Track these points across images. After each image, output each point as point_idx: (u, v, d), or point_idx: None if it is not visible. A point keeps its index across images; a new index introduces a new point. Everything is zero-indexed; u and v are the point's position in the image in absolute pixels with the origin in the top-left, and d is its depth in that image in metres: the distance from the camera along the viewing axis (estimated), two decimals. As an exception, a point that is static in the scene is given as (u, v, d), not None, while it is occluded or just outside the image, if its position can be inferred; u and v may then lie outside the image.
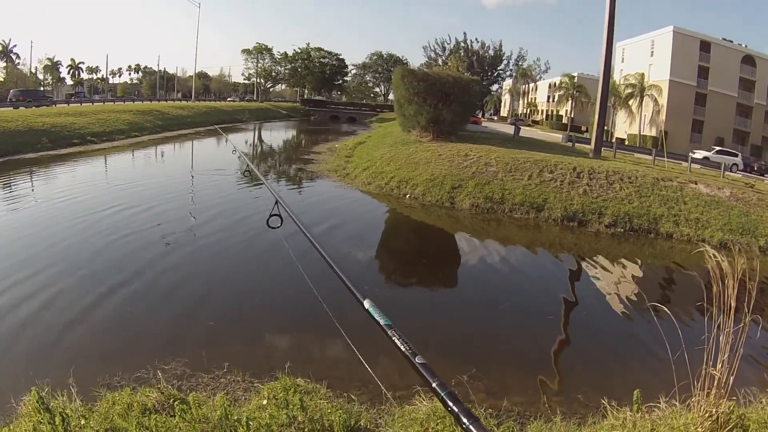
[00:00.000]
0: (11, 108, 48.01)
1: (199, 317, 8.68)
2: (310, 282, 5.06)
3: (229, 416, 5.14)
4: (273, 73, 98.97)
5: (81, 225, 14.04)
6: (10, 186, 21.60)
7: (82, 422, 4.94)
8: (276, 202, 3.73)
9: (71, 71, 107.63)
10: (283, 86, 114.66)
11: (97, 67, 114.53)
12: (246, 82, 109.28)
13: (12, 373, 6.97)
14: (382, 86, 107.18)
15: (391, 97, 76.47)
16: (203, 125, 52.65)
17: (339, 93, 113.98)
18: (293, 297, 9.89)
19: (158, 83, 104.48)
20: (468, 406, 1.51)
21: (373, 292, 10.22)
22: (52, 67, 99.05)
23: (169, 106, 61.15)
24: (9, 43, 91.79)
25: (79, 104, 56.88)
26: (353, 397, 6.33)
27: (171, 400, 5.60)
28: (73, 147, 36.47)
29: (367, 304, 2.02)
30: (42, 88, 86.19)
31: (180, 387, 6.36)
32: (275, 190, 4.26)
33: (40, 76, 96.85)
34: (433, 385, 1.56)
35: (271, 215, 3.73)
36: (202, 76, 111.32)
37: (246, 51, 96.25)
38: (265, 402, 5.60)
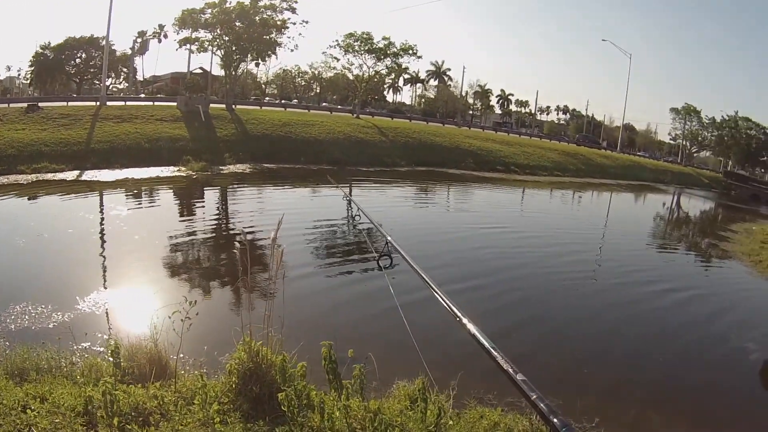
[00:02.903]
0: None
1: (586, 366, 10.33)
2: None
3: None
4: (699, 138, 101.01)
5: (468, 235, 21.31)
6: (431, 192, 32.38)
7: (450, 422, 6.04)
8: (387, 243, 4.71)
9: (500, 101, 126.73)
10: (707, 153, 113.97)
11: (526, 101, 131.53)
12: (671, 142, 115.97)
13: (404, 359, 8.49)
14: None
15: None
16: (624, 178, 59.13)
17: (762, 170, 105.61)
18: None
19: (585, 128, 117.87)
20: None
21: None
22: (482, 94, 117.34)
23: (593, 153, 70.28)
24: (442, 65, 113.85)
25: (506, 134, 70.37)
26: None
27: (537, 434, 6.35)
28: (495, 172, 46.66)
29: (473, 328, 2.59)
30: (471, 113, 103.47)
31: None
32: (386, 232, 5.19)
33: (470, 101, 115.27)
34: (533, 397, 2.00)
35: (381, 255, 4.72)
36: (628, 128, 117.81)
37: (674, 110, 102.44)
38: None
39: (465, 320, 2.70)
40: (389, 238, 4.80)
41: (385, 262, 4.78)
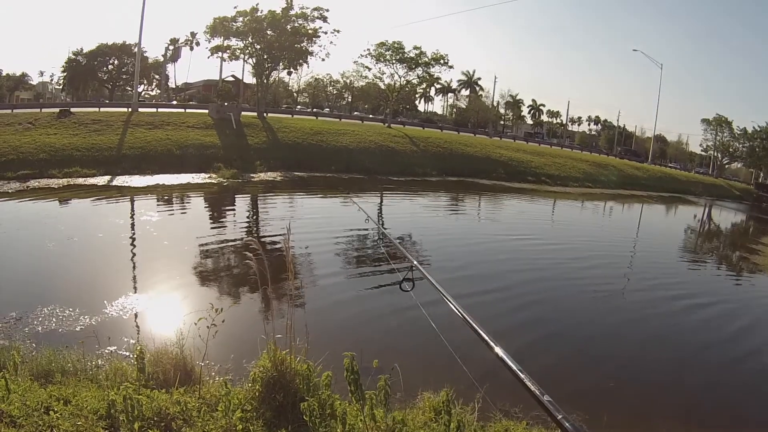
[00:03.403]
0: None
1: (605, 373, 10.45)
2: None
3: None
4: (730, 149, 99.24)
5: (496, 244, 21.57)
6: (461, 202, 33.97)
7: None
8: (410, 267, 4.93)
9: (532, 111, 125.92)
10: (739, 165, 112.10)
11: (557, 111, 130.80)
12: (703, 153, 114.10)
13: (430, 370, 8.93)
14: None
15: None
16: (655, 190, 58.38)
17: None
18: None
19: (616, 139, 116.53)
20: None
21: None
22: (514, 104, 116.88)
23: (624, 163, 69.79)
24: (473, 75, 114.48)
25: (537, 144, 70.54)
26: None
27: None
28: (526, 183, 46.87)
29: (500, 351, 2.66)
30: (502, 123, 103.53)
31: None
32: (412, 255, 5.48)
33: (501, 111, 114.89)
34: (558, 417, 2.11)
35: (403, 279, 4.96)
36: (659, 139, 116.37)
37: (705, 121, 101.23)
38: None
39: (492, 344, 2.77)
40: (415, 262, 4.89)
41: (408, 285, 4.96)
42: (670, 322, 14.15)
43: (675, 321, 14.28)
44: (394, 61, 59.80)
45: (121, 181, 28.07)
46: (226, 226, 20.37)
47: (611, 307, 14.91)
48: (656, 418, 8.81)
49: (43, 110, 39.21)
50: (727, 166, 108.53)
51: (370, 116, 72.67)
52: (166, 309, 10.91)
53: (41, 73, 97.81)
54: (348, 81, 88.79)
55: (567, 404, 7.96)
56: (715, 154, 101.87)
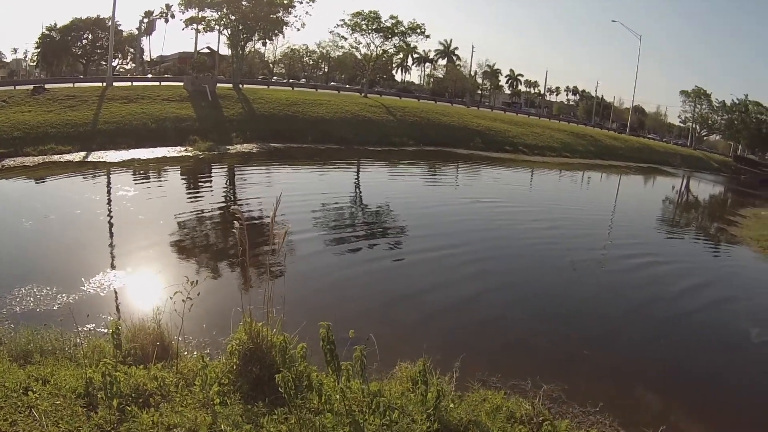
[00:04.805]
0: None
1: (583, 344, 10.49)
2: None
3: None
4: (709, 121, 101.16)
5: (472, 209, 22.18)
6: (438, 171, 34.71)
7: (451, 405, 5.98)
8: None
9: (509, 81, 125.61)
10: (717, 137, 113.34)
11: (535, 81, 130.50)
12: (681, 125, 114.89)
13: (406, 339, 9.33)
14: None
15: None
16: (633, 161, 58.81)
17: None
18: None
19: (594, 109, 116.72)
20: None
21: None
22: (491, 74, 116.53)
23: (603, 134, 70.11)
24: (450, 44, 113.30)
25: (514, 114, 70.53)
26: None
27: (540, 419, 6.46)
28: (503, 153, 47.11)
29: None
30: (480, 92, 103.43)
31: (550, 409, 7.36)
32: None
33: (479, 80, 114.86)
34: None
35: None
36: (638, 110, 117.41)
37: (684, 92, 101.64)
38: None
39: None
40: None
41: None
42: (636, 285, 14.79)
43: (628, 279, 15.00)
44: (370, 31, 58.92)
45: (96, 156, 27.50)
46: (202, 199, 20.16)
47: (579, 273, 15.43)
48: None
49: (17, 87, 38.00)
50: (705, 138, 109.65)
51: (347, 86, 71.91)
52: (143, 284, 10.87)
53: (14, 50, 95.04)
54: (324, 51, 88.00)
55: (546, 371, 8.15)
56: (694, 125, 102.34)
